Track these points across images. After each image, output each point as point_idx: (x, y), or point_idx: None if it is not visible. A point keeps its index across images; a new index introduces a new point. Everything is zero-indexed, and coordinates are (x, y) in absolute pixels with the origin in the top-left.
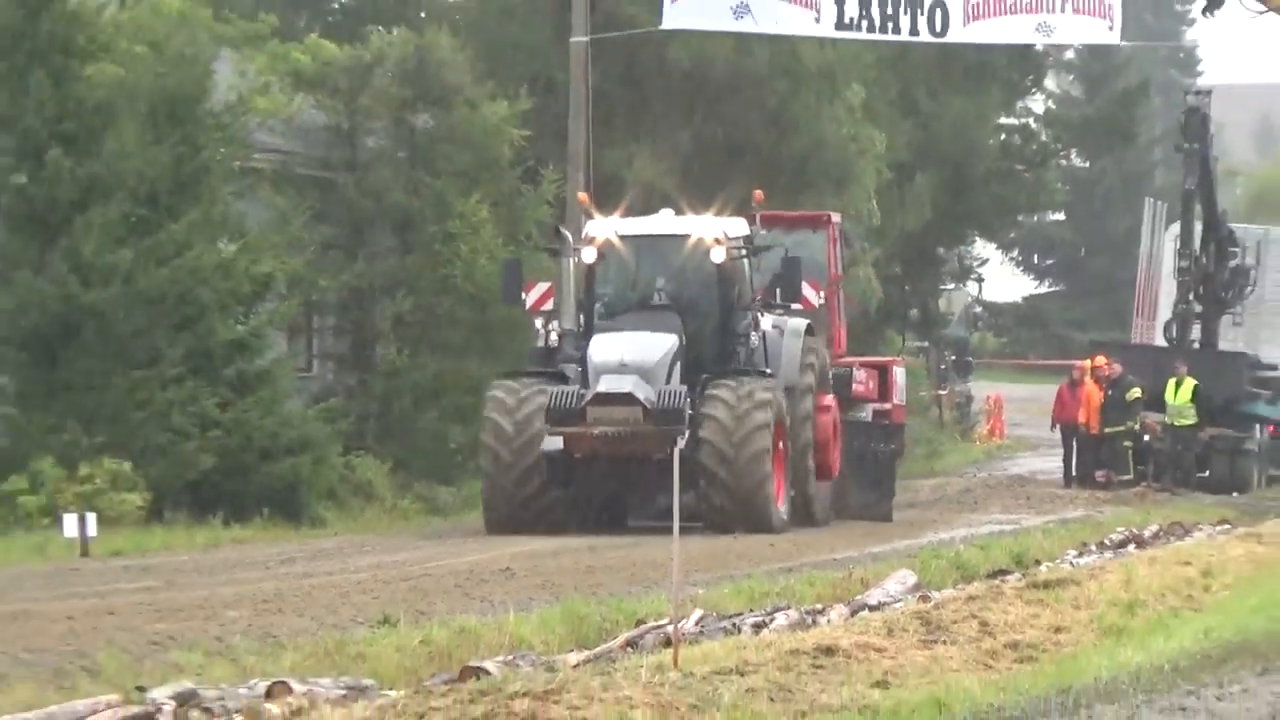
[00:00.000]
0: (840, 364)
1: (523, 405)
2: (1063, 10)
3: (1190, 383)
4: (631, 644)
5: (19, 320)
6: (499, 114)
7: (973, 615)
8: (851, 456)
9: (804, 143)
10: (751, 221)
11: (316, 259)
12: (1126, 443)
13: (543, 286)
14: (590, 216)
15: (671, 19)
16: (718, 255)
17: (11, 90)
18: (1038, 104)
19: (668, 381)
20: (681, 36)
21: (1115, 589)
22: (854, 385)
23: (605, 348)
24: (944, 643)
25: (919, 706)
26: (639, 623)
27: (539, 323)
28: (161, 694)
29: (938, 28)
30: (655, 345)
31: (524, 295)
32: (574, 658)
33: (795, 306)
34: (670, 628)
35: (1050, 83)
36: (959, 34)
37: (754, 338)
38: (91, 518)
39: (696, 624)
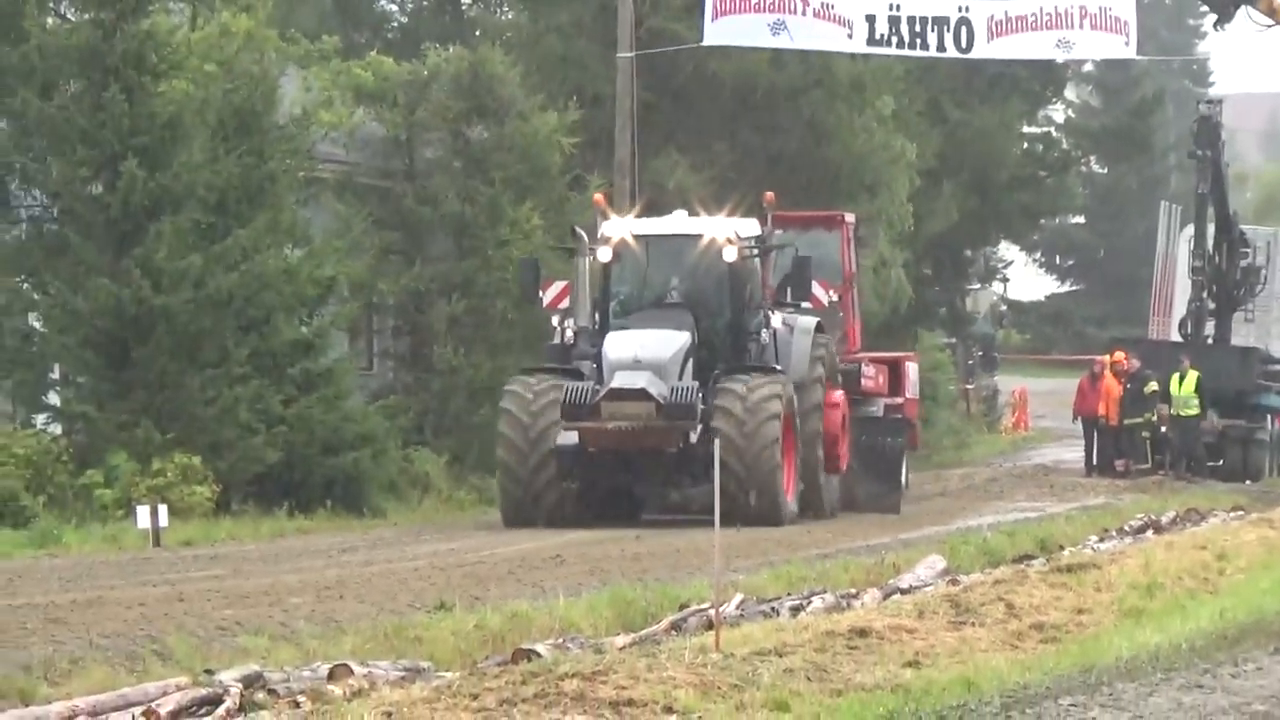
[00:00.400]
0: (849, 360)
1: (538, 400)
2: (1081, 26)
3: (1194, 374)
4: (675, 627)
5: (95, 323)
6: (549, 125)
7: (1000, 598)
8: (860, 450)
9: (837, 151)
10: (763, 222)
11: (376, 263)
12: (1144, 433)
13: (559, 285)
14: (606, 217)
15: (712, 36)
16: (729, 255)
17: (88, 106)
18: (1058, 113)
19: (680, 378)
20: (721, 52)
21: (1135, 572)
22: (863, 380)
23: (620, 344)
24: (972, 624)
25: (949, 685)
26: (682, 607)
27: (555, 320)
28: (229, 676)
29: (963, 44)
30: (668, 342)
31: (541, 294)
32: (621, 640)
33: (805, 305)
34: (712, 611)
35: (1070, 93)
36: (983, 50)
37: (765, 335)
38: (163, 509)
39: (737, 607)
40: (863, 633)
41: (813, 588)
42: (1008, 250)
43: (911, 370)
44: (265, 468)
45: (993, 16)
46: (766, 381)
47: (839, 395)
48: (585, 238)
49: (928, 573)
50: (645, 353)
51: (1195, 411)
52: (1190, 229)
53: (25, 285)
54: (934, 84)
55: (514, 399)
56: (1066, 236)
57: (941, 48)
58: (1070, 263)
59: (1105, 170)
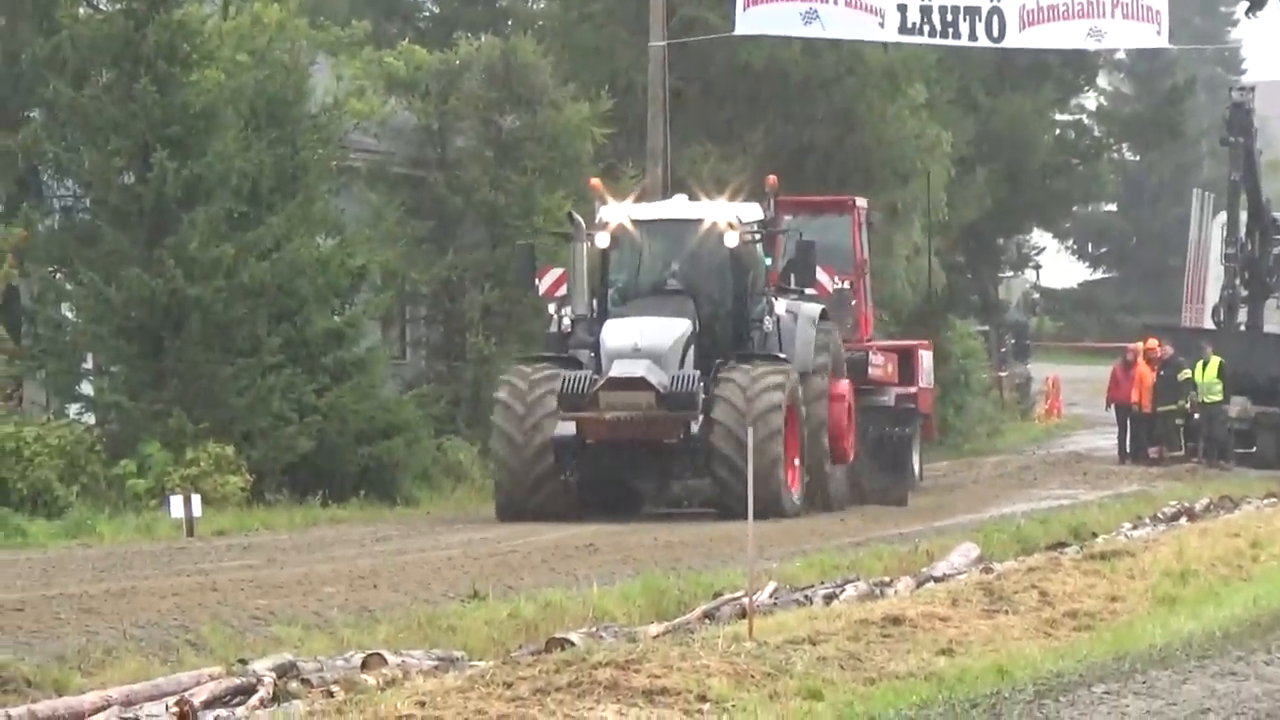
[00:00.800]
0: (857, 348)
1: (534, 390)
2: (1113, 16)
3: (1216, 361)
4: (709, 615)
5: (128, 312)
6: (581, 114)
7: (1033, 586)
8: (867, 441)
9: (869, 140)
10: (766, 206)
11: (409, 253)
12: (1178, 420)
13: (556, 272)
14: (604, 201)
15: (744, 25)
16: (731, 240)
17: (120, 96)
18: (1090, 101)
19: (681, 366)
20: (753, 40)
21: (1168, 560)
22: (870, 369)
23: (618, 333)
24: (1006, 612)
25: (982, 673)
26: (716, 595)
27: (552, 308)
28: (262, 666)
29: (995, 33)
30: (668, 330)
31: (537, 281)
32: (654, 629)
33: (810, 291)
34: (745, 600)
35: (1102, 81)
36: (1015, 39)
37: (768, 323)
38: (196, 499)
39: (770, 596)
40: (896, 621)
41: (846, 576)
42: (1040, 238)
43: (925, 359)
44: (298, 457)
45: (1024, 6)
46: (769, 370)
47: (845, 384)
48: (582, 223)
49: (961, 561)
50: (645, 341)
51: (1219, 398)
52: (1223, 216)
53: (58, 275)
54: (966, 72)
55: (509, 389)
56: (1099, 224)
57: (973, 37)
58: (1103, 250)
59: (1137, 158)
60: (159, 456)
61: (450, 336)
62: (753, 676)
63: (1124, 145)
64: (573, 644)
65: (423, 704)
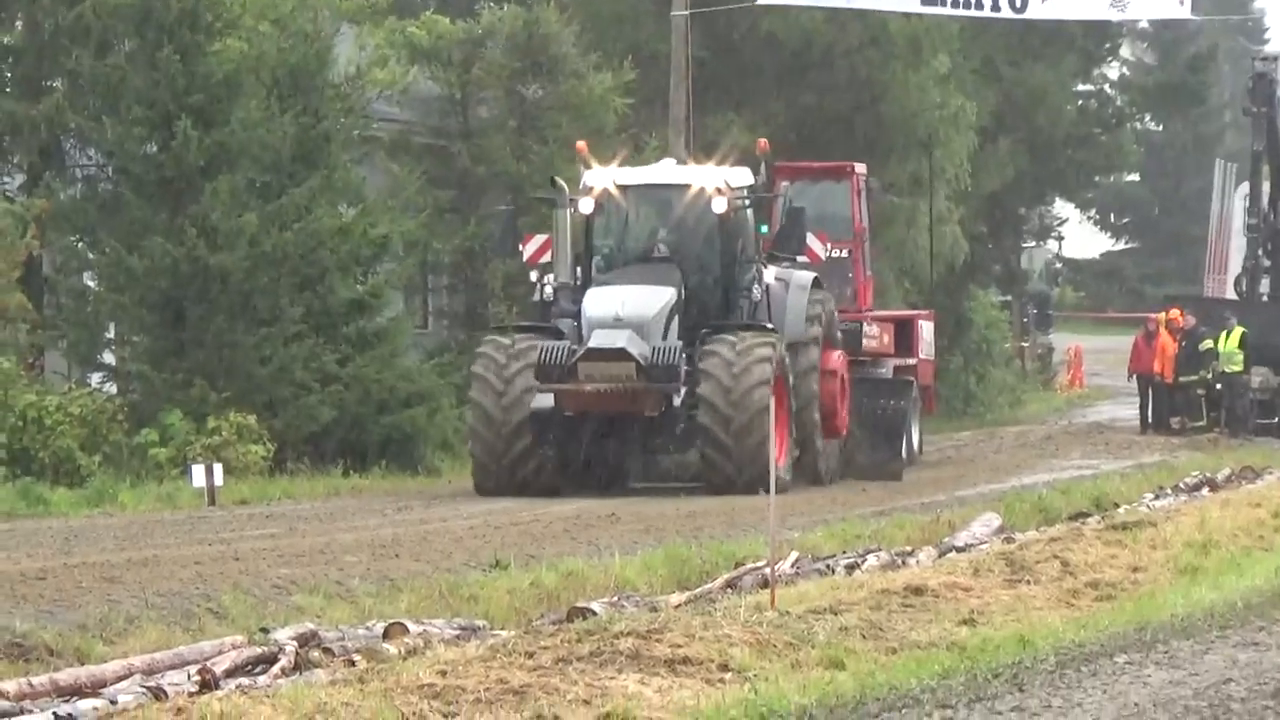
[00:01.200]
0: (854, 318)
1: (513, 361)
2: None
3: (1239, 330)
4: (731, 585)
5: (150, 282)
6: (604, 84)
7: (1055, 556)
8: (861, 413)
9: (893, 110)
10: (757, 171)
11: (431, 222)
12: (1199, 391)
13: (540, 239)
14: (588, 166)
15: None
16: (719, 206)
17: (143, 66)
18: (1113, 71)
19: (665, 337)
20: (777, 10)
21: (1190, 530)
22: (865, 340)
23: (600, 301)
24: (1027, 582)
25: (1004, 643)
26: (738, 565)
27: (534, 276)
28: (284, 635)
29: (1017, 4)
30: (652, 299)
31: (521, 248)
32: (676, 598)
33: (802, 259)
34: (767, 569)
35: (1125, 51)
36: (1037, 10)
37: (757, 291)
38: (218, 468)
39: (792, 566)
40: (918, 591)
41: (868, 546)
42: (1063, 208)
43: (925, 330)
44: (320, 426)
45: None
46: (757, 340)
47: (838, 356)
48: (565, 188)
49: (983, 530)
50: (627, 310)
51: (1240, 368)
52: (1245, 186)
53: (81, 244)
54: (989, 42)
55: (486, 360)
56: (1121, 194)
57: (996, 8)
58: (1125, 220)
59: (1160, 128)
60: (181, 426)
61: (472, 306)
62: (775, 646)
63: (1146, 115)
64: (594, 613)
65: (444, 673)
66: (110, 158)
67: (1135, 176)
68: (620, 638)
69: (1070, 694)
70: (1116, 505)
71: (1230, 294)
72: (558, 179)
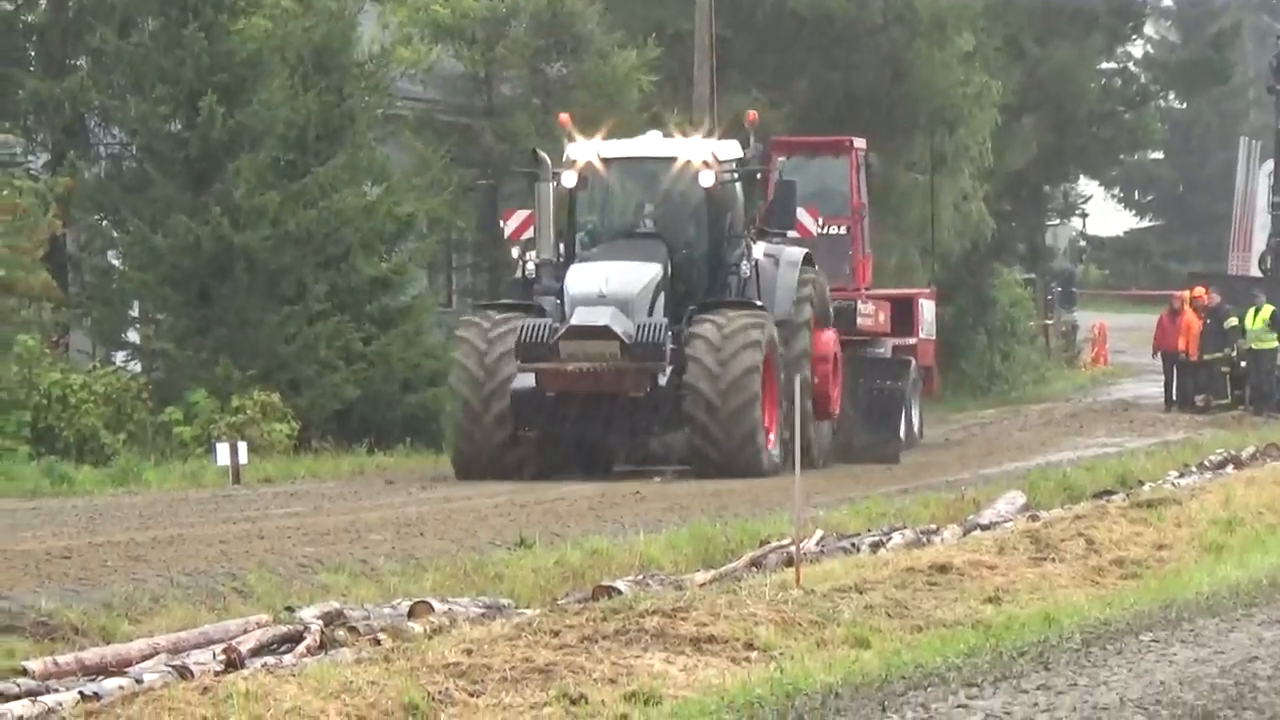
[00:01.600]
0: (845, 296)
1: (494, 340)
2: None
3: (1268, 308)
4: (755, 563)
5: (174, 260)
6: (628, 62)
7: (1080, 534)
8: (855, 394)
9: (916, 88)
10: (746, 143)
11: (455, 200)
12: (1224, 368)
13: (522, 214)
14: (571, 138)
15: None
16: (706, 179)
17: (167, 44)
18: (1137, 48)
19: (650, 314)
20: None
21: (1215, 508)
22: (859, 319)
23: (583, 278)
24: (1052, 560)
25: (1029, 621)
26: (762, 543)
27: (516, 252)
28: (309, 613)
29: None
30: (637, 276)
31: (502, 223)
32: (701, 577)
33: (793, 235)
34: (792, 548)
35: (1149, 28)
36: None
37: (745, 268)
38: (243, 447)
39: (817, 544)
40: (943, 569)
41: (892, 524)
42: (1087, 186)
43: (926, 309)
44: (344, 404)
45: None
46: (745, 318)
47: (830, 335)
48: (548, 161)
49: (1008, 508)
50: (611, 287)
51: (1269, 345)
52: (1270, 164)
53: (105, 223)
54: (1013, 20)
55: (466, 339)
56: (1145, 172)
57: None
58: (1149, 198)
59: (1184, 105)
60: (205, 404)
61: (497, 284)
62: (800, 624)
63: (1171, 93)
64: (620, 592)
65: (470, 652)
66: (134, 136)
67: (1159, 154)
68: (645, 616)
69: (1096, 672)
70: (1141, 483)
71: (1255, 271)
72: (539, 151)
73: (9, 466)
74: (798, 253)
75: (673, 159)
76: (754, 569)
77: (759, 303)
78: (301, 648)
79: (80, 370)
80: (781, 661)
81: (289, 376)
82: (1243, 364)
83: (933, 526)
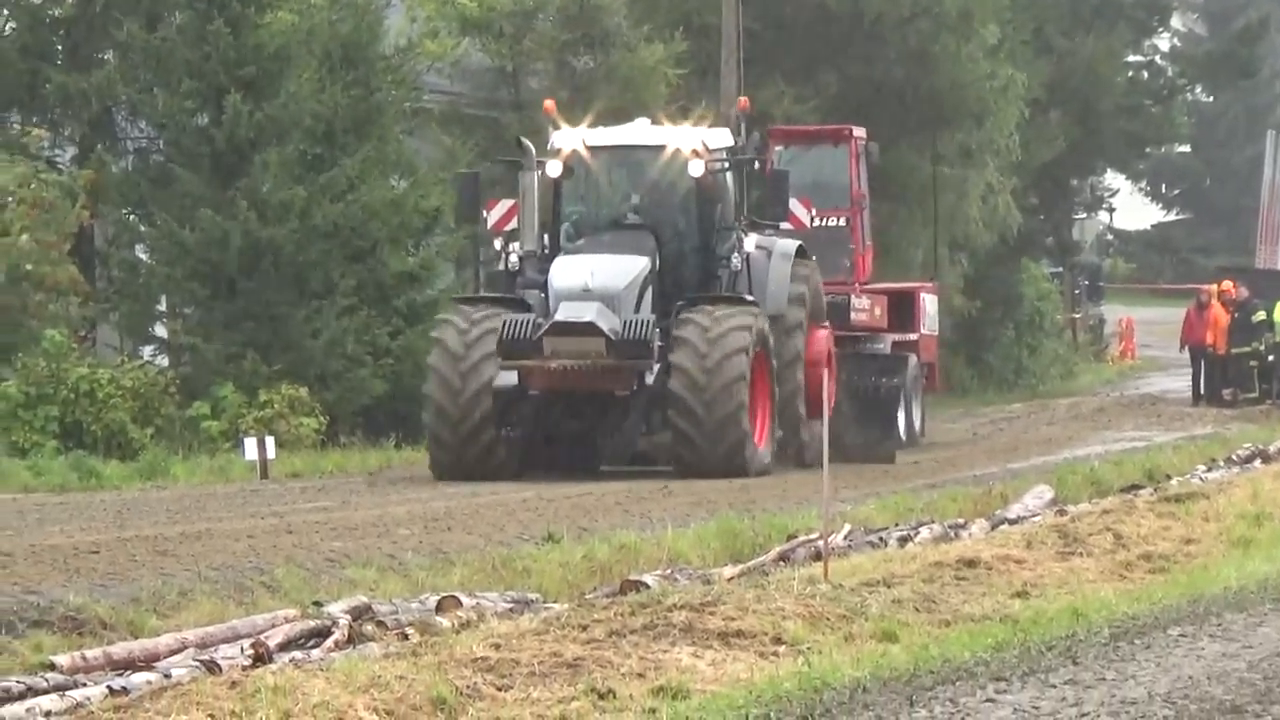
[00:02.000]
0: (840, 291)
1: (474, 334)
2: None
3: None
4: (783, 558)
5: (202, 255)
6: (655, 56)
7: (1107, 528)
8: (851, 392)
9: (943, 81)
10: (737, 132)
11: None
12: (1252, 362)
13: (505, 204)
14: (557, 126)
15: None
16: (696, 169)
17: (194, 38)
18: (1164, 42)
19: (637, 309)
20: None
21: (1243, 502)
22: (854, 314)
23: (568, 271)
24: (1080, 554)
25: (1057, 616)
26: (790, 538)
27: (499, 244)
28: (337, 608)
29: None
30: (623, 269)
31: (485, 213)
32: (729, 571)
33: (785, 226)
34: (820, 542)
35: (1175, 21)
36: None
37: (736, 261)
38: (270, 441)
39: (845, 538)
40: (971, 563)
41: (920, 518)
42: (1114, 179)
43: (928, 303)
44: (372, 399)
45: None
46: (735, 313)
47: (824, 331)
48: (532, 150)
49: (1035, 503)
50: (596, 281)
51: None
52: None
53: (132, 217)
54: (1040, 13)
55: (447, 331)
56: (1172, 165)
57: None
58: (1176, 192)
59: (1211, 99)
60: (233, 398)
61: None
62: (828, 619)
63: (1198, 86)
64: (647, 586)
65: (498, 646)
66: (161, 130)
67: (1186, 147)
68: (673, 610)
69: (1124, 666)
70: (1169, 477)
71: None
72: (523, 139)
73: (37, 461)
74: (791, 245)
75: (661, 147)
76: (782, 563)
77: (750, 297)
78: (329, 642)
79: (108, 365)
80: (809, 656)
81: (316, 371)
82: (1270, 358)
83: (960, 521)
